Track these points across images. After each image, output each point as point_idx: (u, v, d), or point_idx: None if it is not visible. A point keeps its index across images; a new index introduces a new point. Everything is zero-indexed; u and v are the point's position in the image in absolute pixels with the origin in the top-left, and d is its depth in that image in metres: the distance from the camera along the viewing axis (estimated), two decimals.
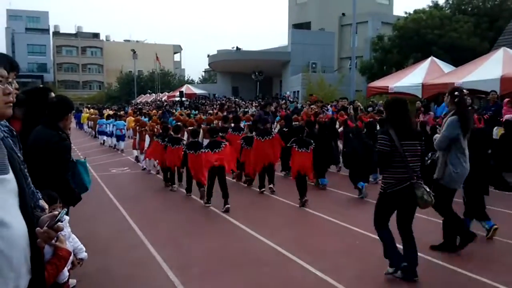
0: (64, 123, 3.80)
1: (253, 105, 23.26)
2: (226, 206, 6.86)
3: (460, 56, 20.04)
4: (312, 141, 7.45)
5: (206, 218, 6.72)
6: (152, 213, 7.08)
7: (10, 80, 1.76)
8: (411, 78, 15.06)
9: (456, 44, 21.43)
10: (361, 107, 15.31)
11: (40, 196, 2.44)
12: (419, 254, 4.18)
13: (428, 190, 4.04)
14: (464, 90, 4.97)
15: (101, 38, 75.14)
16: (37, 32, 69.93)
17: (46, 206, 2.51)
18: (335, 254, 4.95)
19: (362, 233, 5.55)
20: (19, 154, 1.82)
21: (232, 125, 10.20)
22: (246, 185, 9.05)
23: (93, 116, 23.58)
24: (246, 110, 21.36)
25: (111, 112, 21.57)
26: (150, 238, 5.54)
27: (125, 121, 16.63)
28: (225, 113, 15.10)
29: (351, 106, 14.98)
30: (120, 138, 16.10)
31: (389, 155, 4.01)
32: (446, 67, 15.58)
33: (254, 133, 8.77)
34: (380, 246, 4.22)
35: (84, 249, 3.10)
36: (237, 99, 29.57)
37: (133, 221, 6.41)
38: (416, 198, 4.00)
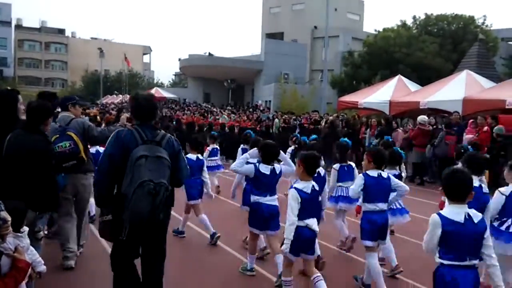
0: (44, 128, 3.83)
1: (225, 112, 23.35)
2: None
3: (425, 75, 21.01)
4: None
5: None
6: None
7: None
8: (380, 95, 15.59)
9: (422, 63, 22.49)
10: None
11: (3, 208, 2.41)
12: None
13: None
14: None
15: (66, 34, 72.60)
16: None
17: (9, 218, 2.46)
18: None
19: None
20: None
21: None
22: None
23: None
24: (217, 117, 21.45)
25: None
26: None
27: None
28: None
29: (324, 119, 15.47)
30: None
31: None
32: (412, 86, 16.28)
33: None
34: None
35: (43, 262, 2.90)
36: (208, 105, 29.57)
37: None
38: None
